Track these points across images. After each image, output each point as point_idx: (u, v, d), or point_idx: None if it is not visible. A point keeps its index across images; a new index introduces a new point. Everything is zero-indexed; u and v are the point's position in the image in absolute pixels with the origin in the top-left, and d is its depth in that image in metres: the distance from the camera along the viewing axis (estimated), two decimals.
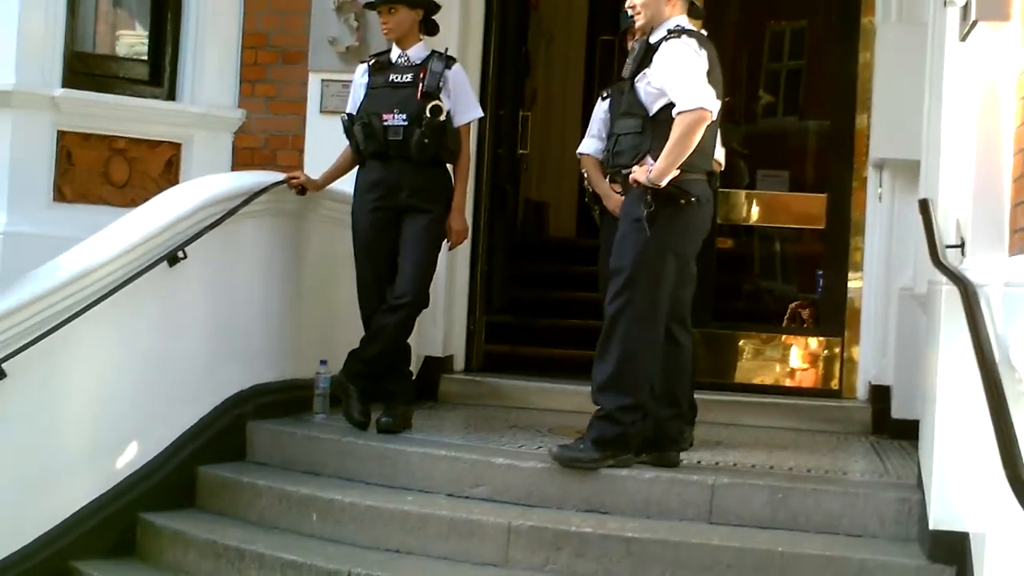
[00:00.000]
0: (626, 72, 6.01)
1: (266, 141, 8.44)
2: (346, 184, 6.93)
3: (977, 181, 4.72)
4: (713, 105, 5.65)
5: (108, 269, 6.06)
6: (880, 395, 7.56)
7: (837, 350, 8.18)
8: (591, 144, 7.03)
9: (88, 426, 6.08)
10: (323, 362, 6.90)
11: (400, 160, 6.62)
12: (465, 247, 7.72)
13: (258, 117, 8.47)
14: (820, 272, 8.53)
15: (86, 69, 8.12)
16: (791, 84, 10.21)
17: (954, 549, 4.93)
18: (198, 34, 8.43)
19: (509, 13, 8.82)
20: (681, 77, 5.64)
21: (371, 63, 6.85)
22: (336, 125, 6.93)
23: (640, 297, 5.72)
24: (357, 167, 6.82)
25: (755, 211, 8.75)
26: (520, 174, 9.69)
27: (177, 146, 8.32)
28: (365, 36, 8.08)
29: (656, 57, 5.74)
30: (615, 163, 6.00)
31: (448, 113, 6.65)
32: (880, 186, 7.78)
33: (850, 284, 8.10)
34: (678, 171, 5.60)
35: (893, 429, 7.29)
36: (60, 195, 7.87)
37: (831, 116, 8.54)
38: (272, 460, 6.56)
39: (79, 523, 5.98)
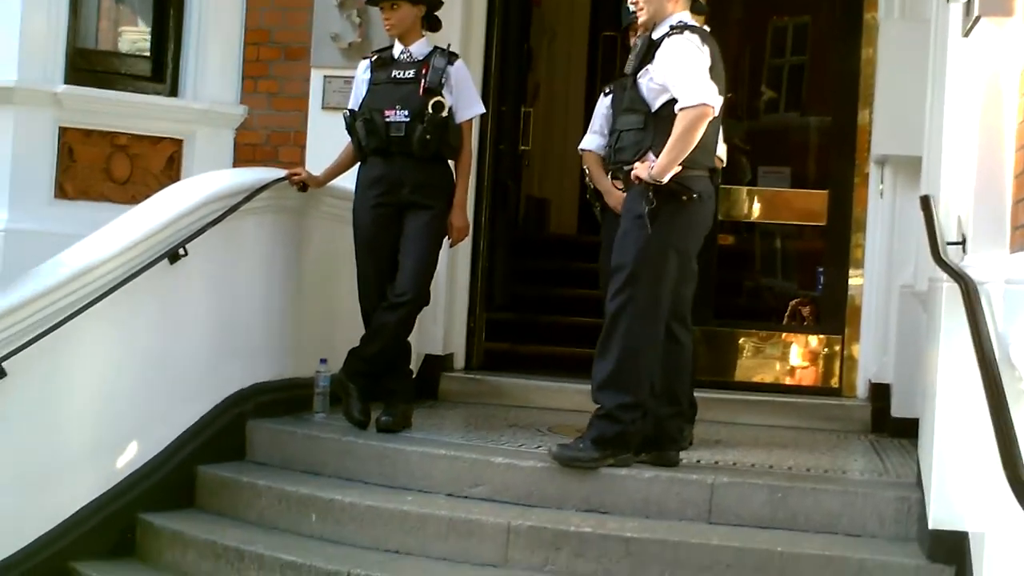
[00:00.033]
0: (628, 68, 6.00)
1: (268, 137, 8.44)
2: (348, 181, 6.93)
3: (979, 178, 4.71)
4: (715, 101, 5.64)
5: (109, 266, 6.05)
6: (880, 393, 7.56)
7: (837, 348, 8.18)
8: (593, 140, 7.02)
9: (89, 425, 6.08)
10: (323, 360, 6.90)
11: (402, 156, 6.62)
12: (466, 244, 7.70)
13: (260, 113, 8.47)
14: (821, 269, 8.52)
15: (88, 65, 8.13)
16: (793, 80, 10.21)
17: (953, 549, 4.93)
18: (200, 30, 8.42)
19: (511, 9, 8.82)
20: (683, 73, 5.63)
21: (373, 59, 6.85)
22: (338, 121, 6.93)
23: (642, 294, 5.71)
24: (359, 163, 6.80)
25: (756, 207, 8.74)
26: (522, 170, 9.69)
27: (179, 142, 8.32)
28: (367, 32, 8.08)
29: (658, 53, 5.73)
30: (617, 159, 5.98)
31: (450, 109, 6.64)
32: (882, 182, 7.77)
33: (851, 281, 8.09)
34: (680, 167, 5.59)
35: (893, 427, 7.29)
36: (61, 192, 7.88)
37: (833, 112, 8.54)
38: (272, 459, 6.55)
39: (79, 523, 5.97)
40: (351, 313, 6.76)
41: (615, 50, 10.14)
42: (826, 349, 8.28)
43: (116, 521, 6.11)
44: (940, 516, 4.97)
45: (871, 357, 7.84)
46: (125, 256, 6.12)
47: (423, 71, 6.65)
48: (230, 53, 8.49)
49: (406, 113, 6.58)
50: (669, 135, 5.57)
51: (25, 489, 5.78)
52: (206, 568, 5.77)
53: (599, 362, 5.80)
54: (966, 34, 5.07)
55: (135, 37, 8.73)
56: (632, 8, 6.09)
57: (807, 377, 8.38)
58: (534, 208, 11.80)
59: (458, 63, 6.77)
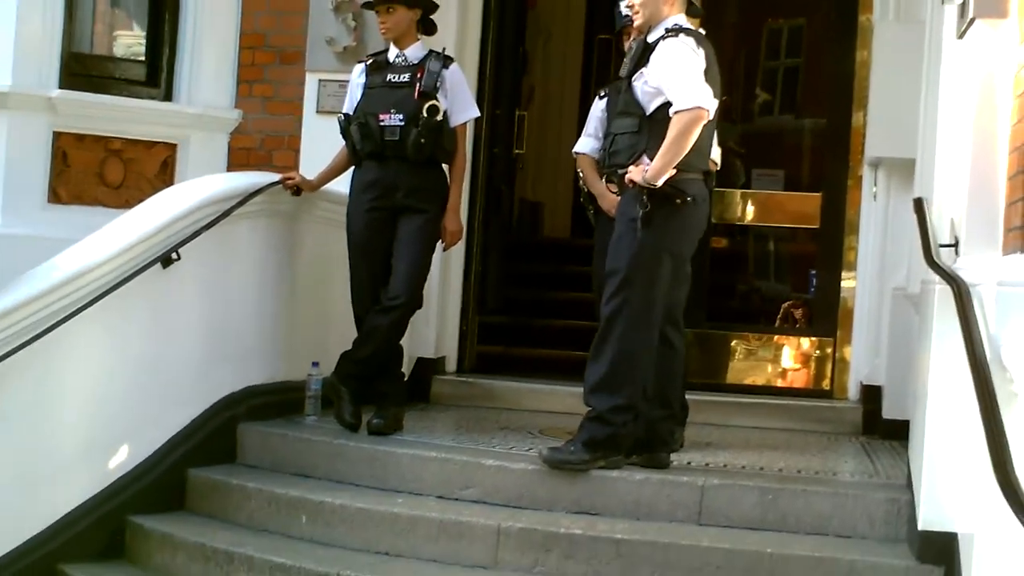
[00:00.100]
0: (623, 71, 6.00)
1: (262, 142, 8.44)
2: (341, 185, 6.94)
3: (972, 180, 4.72)
4: (710, 104, 5.64)
5: (103, 270, 6.05)
6: (871, 395, 7.58)
7: (829, 350, 8.19)
8: (587, 143, 7.02)
9: (81, 427, 6.08)
10: (315, 364, 6.90)
11: (397, 160, 6.62)
12: (459, 247, 7.71)
13: (254, 117, 8.47)
14: (814, 272, 8.53)
15: (83, 70, 8.14)
16: (788, 82, 10.22)
17: (943, 550, 4.94)
18: (196, 34, 8.43)
19: (507, 12, 8.80)
20: (678, 76, 5.63)
21: (368, 63, 6.85)
22: (332, 125, 6.92)
23: (636, 298, 5.72)
24: (353, 167, 6.81)
25: (750, 210, 8.75)
26: (516, 174, 9.67)
27: (173, 147, 8.33)
28: (363, 36, 8.08)
29: (653, 56, 5.74)
30: (611, 163, 5.99)
31: (445, 113, 6.65)
32: (875, 185, 7.78)
33: (843, 284, 8.10)
34: (674, 171, 5.58)
35: (884, 429, 7.31)
36: (55, 196, 7.90)
37: (827, 114, 8.54)
38: (262, 462, 6.55)
39: (69, 525, 5.98)
40: (344, 316, 6.76)
41: (610, 53, 10.13)
42: (818, 351, 8.29)
43: (106, 523, 6.12)
44: (930, 517, 4.98)
45: (863, 359, 7.85)
46: (119, 260, 6.12)
47: (418, 75, 6.65)
48: (225, 57, 8.50)
49: (401, 117, 6.58)
50: (664, 138, 5.56)
51: (17, 490, 5.78)
52: (195, 570, 5.76)
53: (592, 365, 5.81)
54: (960, 36, 5.09)
55: (130, 41, 8.74)
56: (627, 11, 6.11)
57: (799, 379, 8.38)
58: (528, 211, 11.77)
59: (453, 67, 6.78)
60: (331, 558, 5.52)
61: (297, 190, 6.98)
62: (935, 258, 4.93)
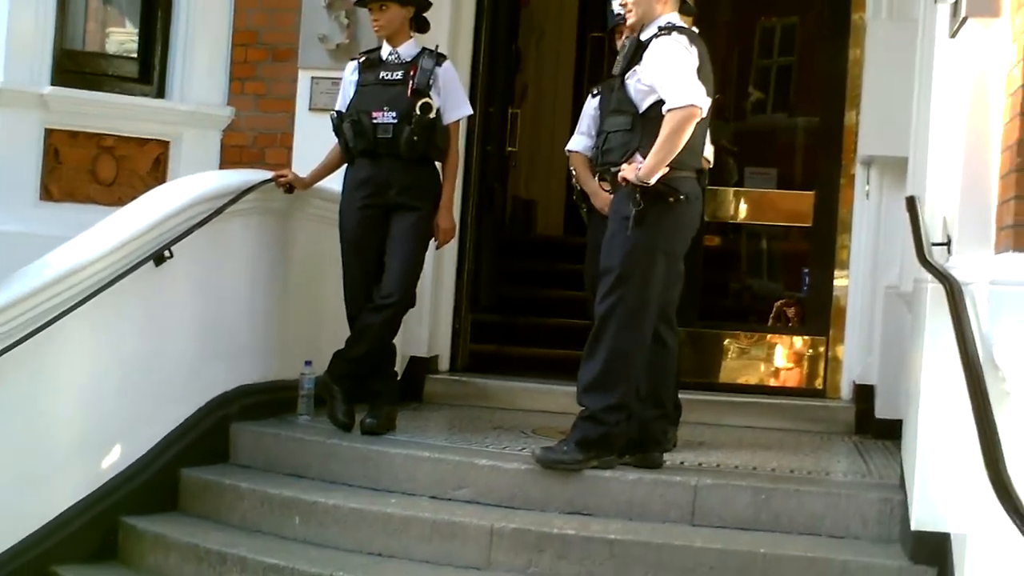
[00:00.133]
0: (616, 69, 6.00)
1: (255, 139, 8.43)
2: (334, 182, 6.93)
3: (964, 178, 4.72)
4: (703, 102, 5.63)
5: (96, 268, 6.03)
6: (864, 395, 7.59)
7: (822, 349, 8.18)
8: (580, 142, 7.02)
9: (74, 427, 6.06)
10: (308, 363, 6.89)
11: (389, 158, 6.61)
12: (452, 245, 7.69)
13: (247, 115, 8.46)
14: (806, 270, 8.53)
15: (75, 67, 8.13)
16: (781, 81, 10.22)
17: (936, 550, 4.94)
18: (188, 31, 8.42)
19: (500, 9, 8.81)
20: (671, 74, 5.63)
21: (361, 60, 6.84)
22: (325, 123, 6.92)
23: (630, 296, 5.71)
24: (346, 165, 6.80)
25: (743, 209, 8.74)
26: (508, 172, 9.68)
27: (165, 144, 8.32)
28: (355, 33, 8.07)
29: (646, 54, 5.73)
30: (604, 161, 5.98)
31: (438, 111, 6.64)
32: (868, 183, 7.78)
33: (836, 282, 8.10)
34: (667, 169, 5.58)
35: (876, 429, 7.31)
36: (47, 194, 7.90)
37: (820, 113, 8.54)
38: (255, 462, 6.54)
39: (63, 526, 5.96)
40: (336, 315, 6.76)
41: (603, 51, 10.12)
42: (811, 350, 8.29)
43: (99, 524, 6.10)
44: (923, 517, 4.97)
45: (855, 358, 7.86)
46: (111, 258, 6.11)
47: (411, 72, 6.64)
48: (218, 54, 8.49)
49: (394, 115, 6.57)
50: (656, 136, 5.56)
51: (10, 491, 5.76)
52: (188, 571, 5.75)
53: (586, 364, 5.80)
54: (953, 35, 5.09)
55: (122, 38, 8.72)
56: (620, 9, 6.11)
57: (791, 378, 8.38)
58: (521, 209, 11.77)
59: (446, 64, 6.77)
60: (324, 559, 5.52)
61: (290, 188, 6.97)
62: (927, 257, 4.93)
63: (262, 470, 6.43)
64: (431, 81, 6.64)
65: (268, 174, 7.02)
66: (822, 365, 8.17)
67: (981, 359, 3.97)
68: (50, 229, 6.85)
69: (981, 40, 4.71)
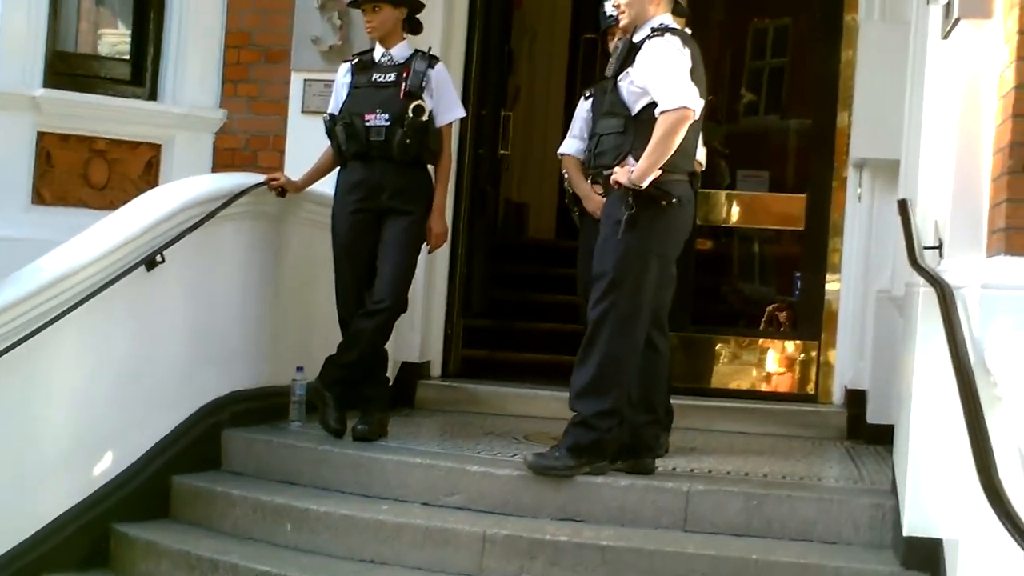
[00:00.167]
0: (609, 71, 5.98)
1: (247, 142, 8.41)
2: (326, 186, 6.92)
3: (956, 181, 4.72)
4: (696, 104, 5.63)
5: (87, 273, 6.01)
6: (856, 400, 7.57)
7: (814, 354, 8.18)
8: (572, 144, 7.01)
9: (67, 433, 6.04)
10: (300, 368, 6.88)
11: (382, 161, 6.60)
12: (444, 249, 7.67)
13: (239, 117, 8.44)
14: (798, 274, 8.51)
15: (68, 69, 8.10)
16: (773, 82, 10.24)
17: (928, 556, 4.95)
18: (181, 33, 8.39)
19: (493, 11, 8.79)
20: (664, 76, 5.63)
21: (354, 62, 6.83)
22: (318, 125, 6.91)
23: (624, 301, 5.71)
24: (338, 168, 6.79)
25: (735, 212, 8.73)
26: (501, 175, 9.67)
27: (157, 147, 8.30)
28: (348, 35, 8.06)
29: (639, 56, 5.73)
30: (597, 163, 5.98)
31: (430, 113, 6.63)
32: (860, 186, 7.78)
33: (828, 286, 8.09)
34: (660, 172, 5.58)
35: (868, 434, 7.30)
36: (39, 198, 7.86)
37: (812, 115, 8.53)
38: (247, 469, 6.53)
39: (54, 532, 5.93)
40: (328, 320, 6.75)
41: (596, 53, 10.13)
42: (802, 355, 8.28)
43: (90, 531, 6.08)
44: (915, 523, 4.99)
45: (847, 363, 7.85)
46: (103, 263, 6.09)
47: (404, 74, 6.63)
48: (210, 56, 8.47)
49: (386, 117, 6.56)
50: (649, 139, 5.56)
51: (3, 497, 5.74)
52: None
53: (579, 369, 5.80)
54: (945, 36, 5.09)
55: (115, 40, 8.70)
56: (613, 11, 6.11)
57: (783, 383, 8.37)
58: (513, 213, 11.76)
59: (439, 66, 6.76)
60: (316, 566, 5.53)
61: (282, 191, 6.96)
62: (919, 260, 4.95)
63: (254, 477, 6.42)
64: (424, 83, 6.63)
65: (260, 177, 7.00)
66: (814, 370, 8.18)
67: (973, 363, 3.97)
68: (42, 233, 6.85)
69: (973, 42, 4.72)
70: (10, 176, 7.70)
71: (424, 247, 6.82)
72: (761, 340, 8.54)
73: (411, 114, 6.54)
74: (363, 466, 6.14)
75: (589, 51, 11.18)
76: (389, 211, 6.61)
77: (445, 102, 6.75)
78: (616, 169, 5.70)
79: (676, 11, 5.95)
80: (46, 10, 7.89)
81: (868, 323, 7.58)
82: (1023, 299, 4.07)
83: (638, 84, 5.72)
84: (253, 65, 8.48)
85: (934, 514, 4.88)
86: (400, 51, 6.74)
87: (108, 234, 6.25)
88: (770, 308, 8.86)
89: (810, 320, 8.24)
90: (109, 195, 7.96)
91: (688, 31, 5.92)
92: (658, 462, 6.03)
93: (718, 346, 8.50)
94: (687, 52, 5.72)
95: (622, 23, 5.96)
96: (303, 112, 8.16)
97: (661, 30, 5.74)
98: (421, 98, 6.59)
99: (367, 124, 6.58)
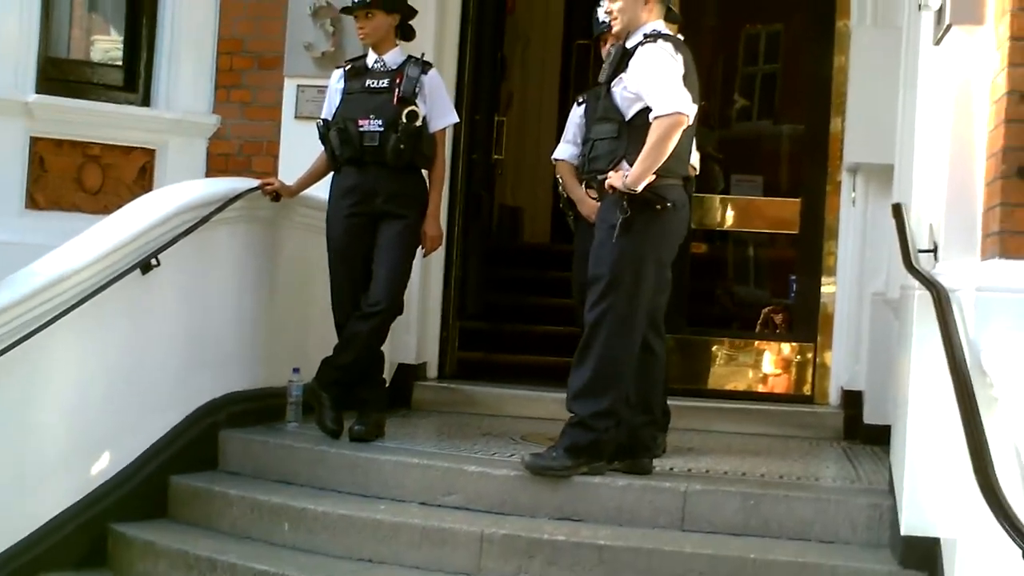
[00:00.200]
0: (602, 77, 6.01)
1: (241, 147, 8.42)
2: (321, 190, 6.92)
3: (950, 185, 4.73)
4: (689, 109, 5.65)
5: (82, 276, 6.01)
6: (852, 400, 7.60)
7: (810, 355, 8.20)
8: (566, 150, 7.01)
9: (61, 435, 6.04)
10: (296, 370, 6.89)
11: (376, 166, 6.61)
12: (439, 253, 7.68)
13: (233, 123, 8.45)
14: (793, 277, 8.54)
15: (60, 75, 8.11)
16: (766, 88, 10.23)
17: (925, 555, 4.96)
18: (173, 39, 8.40)
19: (485, 17, 8.80)
20: (657, 82, 5.63)
21: (347, 68, 6.84)
22: (311, 131, 6.91)
23: (620, 303, 5.72)
24: (332, 173, 6.79)
25: (729, 216, 8.74)
26: (495, 179, 9.67)
27: (151, 152, 8.31)
28: (341, 41, 8.04)
29: (632, 62, 5.74)
30: (591, 169, 5.99)
31: (424, 118, 6.64)
32: (854, 190, 7.80)
33: (823, 289, 8.11)
34: (654, 176, 5.59)
35: (865, 434, 7.32)
36: (32, 202, 7.87)
37: (805, 120, 8.55)
38: (244, 469, 6.53)
39: (51, 532, 5.93)
40: (324, 322, 6.75)
41: (588, 59, 10.14)
42: (798, 357, 8.29)
43: (88, 531, 6.08)
44: (912, 522, 4.99)
45: (843, 364, 7.87)
46: (97, 266, 6.09)
47: (397, 80, 6.64)
48: (203, 62, 8.47)
49: (380, 122, 6.57)
50: (643, 144, 5.57)
51: (1, 497, 5.73)
52: None
53: (576, 371, 5.81)
54: (937, 42, 5.10)
55: (107, 46, 8.71)
56: (606, 17, 6.11)
57: (780, 385, 8.38)
58: (507, 217, 11.79)
59: (432, 72, 6.77)
60: (313, 565, 5.52)
61: (276, 196, 6.96)
62: (914, 263, 4.95)
63: (251, 477, 6.42)
64: (417, 89, 6.64)
65: (254, 182, 7.01)
66: (810, 371, 8.18)
67: (968, 365, 3.98)
68: (36, 238, 6.82)
69: (965, 47, 4.72)
70: (4, 181, 7.70)
71: (419, 251, 6.82)
72: (757, 342, 8.55)
73: (404, 120, 6.55)
74: (360, 466, 6.14)
75: (582, 57, 11.19)
76: (384, 215, 6.62)
77: (438, 107, 6.76)
78: (610, 174, 5.71)
79: (668, 17, 5.96)
80: (38, 16, 7.90)
81: (863, 325, 7.61)
82: (1018, 301, 4.09)
83: (631, 90, 5.73)
84: (246, 71, 8.48)
85: (931, 514, 4.88)
86: (393, 57, 6.74)
87: (103, 238, 6.25)
88: (766, 310, 8.85)
89: (806, 322, 8.26)
90: (103, 200, 7.97)
91: (680, 37, 5.93)
92: (655, 462, 6.04)
93: (715, 348, 8.50)
94: (680, 58, 5.73)
95: (615, 29, 5.98)
96: (296, 118, 8.13)
97: (654, 36, 5.75)
98: (414, 104, 6.60)
99: (361, 129, 6.59)
